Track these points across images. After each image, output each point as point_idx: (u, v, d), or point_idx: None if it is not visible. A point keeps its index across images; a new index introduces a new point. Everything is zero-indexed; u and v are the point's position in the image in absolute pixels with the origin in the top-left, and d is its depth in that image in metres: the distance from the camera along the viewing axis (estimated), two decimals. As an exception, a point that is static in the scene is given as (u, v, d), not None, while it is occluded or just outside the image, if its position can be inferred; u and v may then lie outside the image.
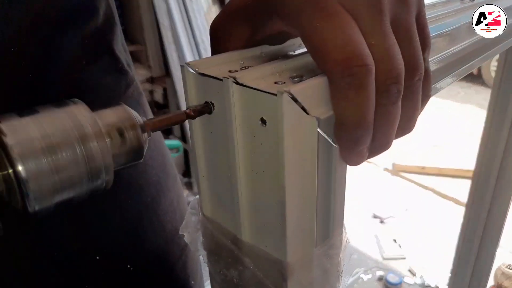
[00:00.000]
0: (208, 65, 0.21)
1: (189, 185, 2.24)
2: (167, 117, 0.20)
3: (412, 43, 0.20)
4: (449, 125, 3.10)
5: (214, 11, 2.13)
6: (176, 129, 2.29)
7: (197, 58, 2.06)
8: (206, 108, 0.21)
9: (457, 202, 2.20)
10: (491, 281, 1.55)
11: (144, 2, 2.14)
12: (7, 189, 0.15)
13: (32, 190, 0.15)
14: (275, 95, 0.17)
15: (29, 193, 0.15)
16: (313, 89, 0.18)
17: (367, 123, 0.19)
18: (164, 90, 2.32)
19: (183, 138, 2.22)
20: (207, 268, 0.26)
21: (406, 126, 0.22)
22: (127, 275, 0.34)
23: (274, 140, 0.18)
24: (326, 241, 0.22)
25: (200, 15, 2.06)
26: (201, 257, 0.26)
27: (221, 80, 0.19)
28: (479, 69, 3.72)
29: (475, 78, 3.77)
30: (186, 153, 2.20)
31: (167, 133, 2.37)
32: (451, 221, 1.98)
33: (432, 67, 0.30)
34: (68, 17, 0.27)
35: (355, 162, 0.21)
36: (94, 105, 0.18)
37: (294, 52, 0.26)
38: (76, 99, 0.18)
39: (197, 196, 0.26)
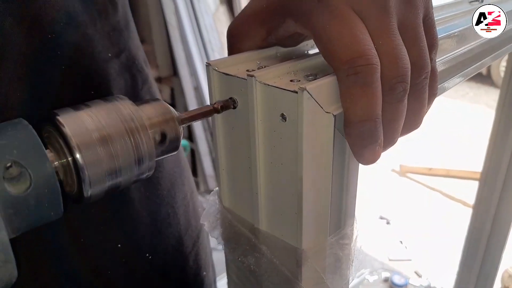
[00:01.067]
0: (227, 65, 0.23)
1: (196, 184, 2.26)
2: (197, 110, 0.22)
3: (418, 43, 0.21)
4: (458, 126, 3.08)
5: (222, 11, 2.15)
6: (184, 129, 2.31)
7: (204, 58, 2.08)
8: (230, 103, 0.22)
9: (464, 203, 2.19)
10: (498, 284, 1.55)
11: (152, 2, 2.16)
12: (65, 176, 0.17)
13: (89, 176, 0.17)
14: (296, 92, 0.19)
15: (85, 178, 0.17)
16: (327, 87, 0.20)
17: (374, 119, 0.20)
18: (172, 89, 2.35)
19: (190, 137, 2.24)
20: (220, 260, 0.28)
21: (412, 123, 0.23)
22: (146, 264, 0.36)
23: (293, 135, 0.20)
24: (339, 231, 0.24)
25: (207, 15, 2.08)
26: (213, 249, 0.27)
27: (245, 79, 0.21)
28: (489, 70, 3.69)
29: (484, 78, 3.74)
30: (193, 152, 2.22)
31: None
32: (458, 223, 1.98)
33: (440, 67, 0.32)
34: (96, 10, 0.29)
35: (367, 160, 0.21)
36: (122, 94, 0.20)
37: (307, 52, 0.27)
38: (121, 95, 0.20)
39: (217, 188, 0.27)
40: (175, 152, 0.21)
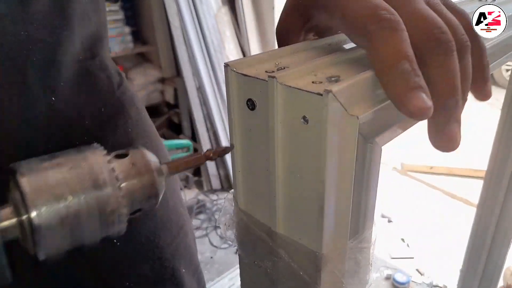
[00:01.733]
0: (245, 65, 0.23)
1: (199, 184, 2.26)
2: (186, 161, 0.20)
3: (444, 12, 0.22)
4: (459, 125, 3.08)
5: (224, 12, 2.15)
6: (187, 129, 2.31)
7: (207, 58, 2.08)
8: (226, 151, 0.22)
9: (466, 202, 2.19)
10: (500, 282, 1.55)
11: (155, 3, 2.16)
12: (22, 234, 0.16)
13: (44, 238, 0.15)
14: (321, 95, 0.18)
15: (40, 240, 0.15)
16: (352, 89, 0.20)
17: (409, 58, 0.19)
18: (175, 90, 2.34)
19: (193, 137, 2.23)
20: (222, 259, 0.27)
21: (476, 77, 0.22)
22: (118, 253, 0.36)
23: (316, 137, 0.19)
24: (359, 235, 0.23)
25: (210, 16, 2.08)
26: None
27: (266, 80, 0.20)
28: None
29: (490, 77, 3.73)
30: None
31: (177, 133, 2.39)
32: (459, 221, 1.98)
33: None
34: (72, 16, 0.32)
35: (415, 107, 0.19)
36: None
37: (326, 50, 0.27)
38: (96, 144, 0.18)
39: (232, 190, 0.27)
40: (155, 206, 0.20)
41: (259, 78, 0.21)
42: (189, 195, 2.15)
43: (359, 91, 0.20)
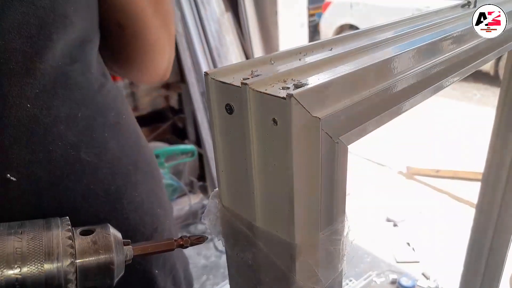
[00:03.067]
0: (224, 73, 0.25)
1: (203, 189, 2.28)
2: (155, 245, 0.21)
3: None
4: (465, 128, 3.06)
5: (227, 18, 2.18)
6: (191, 134, 2.35)
7: (211, 63, 2.11)
8: (200, 240, 0.22)
9: (472, 205, 2.17)
10: (507, 286, 1.54)
11: (160, 9, 2.20)
12: None
13: None
14: (285, 99, 0.20)
15: None
16: (313, 93, 0.22)
17: None
18: (179, 95, 2.38)
19: (198, 142, 2.26)
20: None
21: None
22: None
23: (284, 137, 0.22)
24: (330, 227, 0.25)
25: (213, 22, 2.12)
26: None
27: (240, 87, 0.23)
28: (496, 71, 3.65)
29: (492, 80, 3.71)
30: (201, 157, 2.25)
31: (182, 138, 2.43)
32: (465, 224, 1.96)
33: (435, 68, 0.33)
34: (50, 25, 0.34)
35: None
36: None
37: (300, 60, 0.29)
38: (65, 218, 0.20)
39: (217, 188, 0.29)
40: (111, 285, 0.21)
41: (234, 85, 0.23)
42: (194, 200, 2.17)
43: (322, 94, 0.22)
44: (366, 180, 2.47)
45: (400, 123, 2.78)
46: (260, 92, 0.22)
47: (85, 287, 0.20)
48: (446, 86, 0.37)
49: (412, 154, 2.65)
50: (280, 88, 0.22)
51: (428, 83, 0.31)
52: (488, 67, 3.64)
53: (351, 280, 1.75)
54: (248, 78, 0.24)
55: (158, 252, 0.21)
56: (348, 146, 0.24)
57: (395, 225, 2.12)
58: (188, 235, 0.22)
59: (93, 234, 0.20)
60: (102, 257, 0.20)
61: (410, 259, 1.88)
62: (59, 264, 0.18)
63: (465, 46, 0.39)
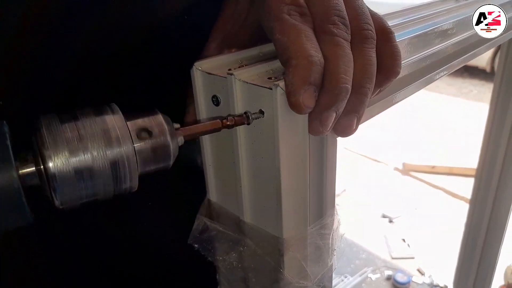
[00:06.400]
0: (211, 65, 0.24)
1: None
2: (202, 125, 0.21)
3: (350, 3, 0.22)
4: (461, 124, 3.07)
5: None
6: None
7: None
8: (244, 119, 0.21)
9: (467, 201, 2.18)
10: (501, 281, 1.55)
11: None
12: (41, 182, 0.18)
13: (59, 187, 0.17)
14: (271, 89, 0.20)
15: (56, 189, 0.17)
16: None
17: (304, 56, 0.19)
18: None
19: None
20: None
21: (362, 80, 0.21)
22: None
23: (271, 128, 0.21)
24: (319, 221, 0.25)
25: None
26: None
27: (225, 77, 0.22)
28: (493, 67, 3.66)
29: (488, 76, 3.71)
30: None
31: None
32: (461, 220, 1.97)
33: (426, 60, 0.33)
34: None
35: (303, 104, 0.19)
36: None
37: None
38: (113, 104, 0.19)
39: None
40: (166, 168, 0.21)
41: (220, 76, 0.23)
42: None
43: (310, 85, 0.21)
44: (362, 176, 2.48)
45: (396, 119, 2.79)
46: (247, 82, 0.21)
47: (145, 170, 0.20)
48: (438, 78, 0.37)
49: (408, 150, 2.65)
50: (267, 79, 0.22)
51: (419, 75, 0.31)
52: (484, 63, 3.65)
53: (346, 277, 1.75)
54: (235, 69, 0.23)
55: (206, 133, 0.21)
56: (344, 142, 0.24)
57: (390, 221, 2.12)
58: (231, 115, 0.22)
59: (144, 118, 0.20)
60: (158, 140, 0.19)
61: (406, 255, 1.88)
62: (120, 148, 0.18)
63: (456, 38, 0.39)
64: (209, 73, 0.23)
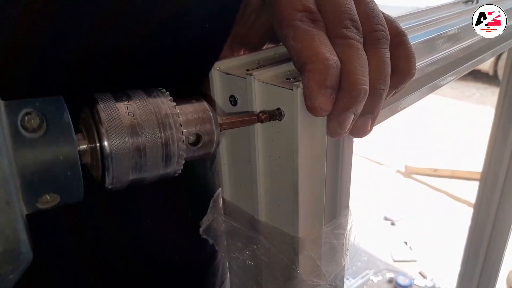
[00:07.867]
0: (229, 65, 0.25)
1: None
2: (240, 119, 0.21)
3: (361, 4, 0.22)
4: (463, 127, 3.07)
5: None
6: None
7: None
8: (277, 114, 0.22)
9: (469, 204, 2.18)
10: (503, 285, 1.54)
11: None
12: (91, 160, 0.17)
13: (113, 165, 0.17)
14: (292, 89, 0.20)
15: (109, 167, 0.17)
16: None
17: (321, 60, 0.19)
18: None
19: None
20: None
21: (378, 81, 0.21)
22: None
23: (289, 128, 0.21)
24: (334, 221, 0.25)
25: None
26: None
27: (245, 78, 0.22)
28: (495, 70, 3.66)
29: (491, 79, 3.71)
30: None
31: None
32: (463, 223, 1.97)
33: (433, 66, 0.33)
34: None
35: (320, 108, 0.20)
36: None
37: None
38: (163, 89, 0.19)
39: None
40: (209, 155, 0.21)
41: (239, 76, 0.23)
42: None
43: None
44: (364, 178, 2.48)
45: (399, 121, 2.79)
46: (266, 83, 0.22)
47: (190, 155, 0.20)
48: (444, 84, 0.37)
49: (411, 153, 2.65)
50: (286, 79, 0.22)
51: (425, 81, 0.31)
52: (487, 66, 3.65)
53: (347, 279, 1.75)
54: (254, 69, 0.24)
55: (243, 125, 0.21)
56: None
57: (392, 223, 2.12)
58: (265, 110, 0.22)
59: (191, 104, 0.20)
60: (204, 126, 0.20)
61: (407, 258, 1.88)
62: (172, 131, 0.18)
63: (464, 43, 0.39)
64: (228, 73, 0.24)
